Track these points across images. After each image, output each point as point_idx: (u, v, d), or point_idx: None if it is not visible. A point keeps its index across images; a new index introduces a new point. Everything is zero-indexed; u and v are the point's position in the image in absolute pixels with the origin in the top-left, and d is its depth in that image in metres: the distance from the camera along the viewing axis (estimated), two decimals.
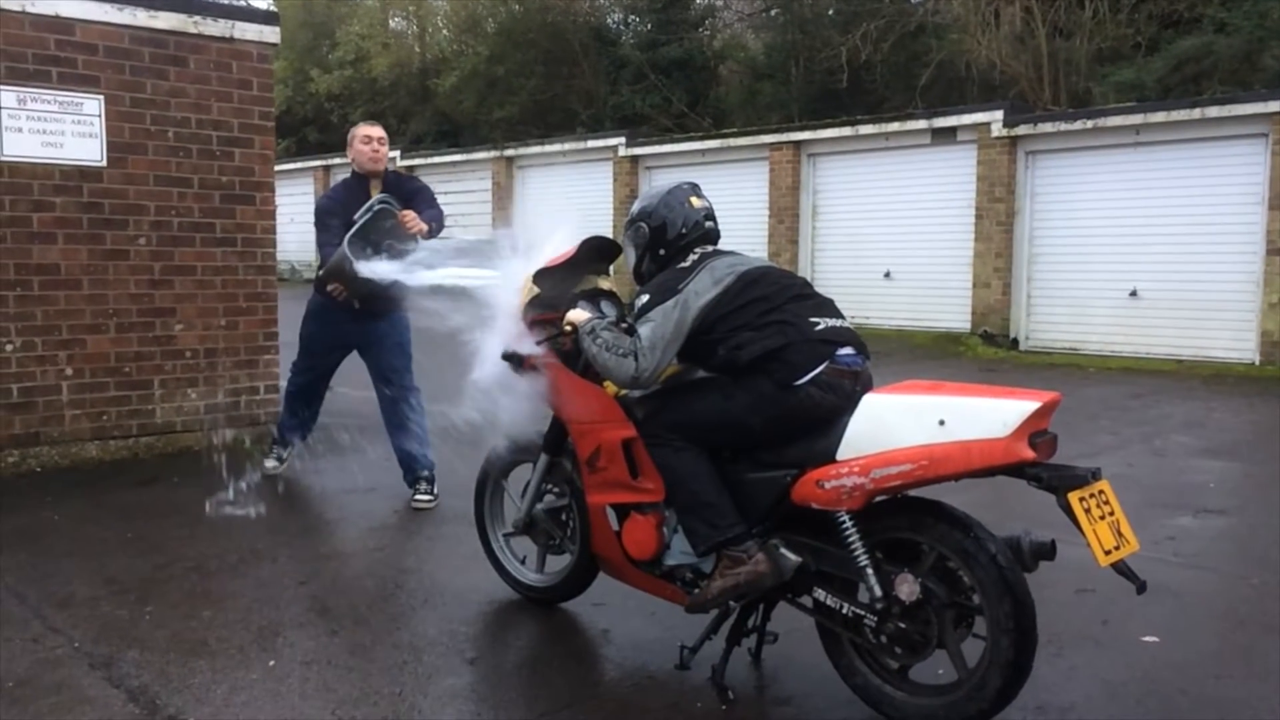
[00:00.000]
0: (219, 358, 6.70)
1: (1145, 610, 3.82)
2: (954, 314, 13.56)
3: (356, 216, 5.26)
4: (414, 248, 5.18)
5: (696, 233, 3.38)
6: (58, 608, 3.93)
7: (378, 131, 5.51)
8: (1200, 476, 6.29)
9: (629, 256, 3.52)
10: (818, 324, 3.11)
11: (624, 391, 3.39)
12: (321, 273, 5.42)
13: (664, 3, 22.10)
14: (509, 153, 19.04)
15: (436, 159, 20.50)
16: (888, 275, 14.25)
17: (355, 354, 5.63)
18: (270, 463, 5.94)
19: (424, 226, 5.25)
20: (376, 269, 4.96)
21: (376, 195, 5.34)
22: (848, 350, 3.09)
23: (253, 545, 4.73)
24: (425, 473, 5.42)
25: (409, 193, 5.49)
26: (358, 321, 5.39)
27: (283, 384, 6.24)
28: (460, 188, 19.11)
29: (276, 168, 7.17)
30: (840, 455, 2.93)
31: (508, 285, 3.67)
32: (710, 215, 3.44)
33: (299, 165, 22.77)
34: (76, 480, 5.86)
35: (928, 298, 13.85)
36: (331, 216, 5.36)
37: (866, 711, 3.06)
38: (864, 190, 14.57)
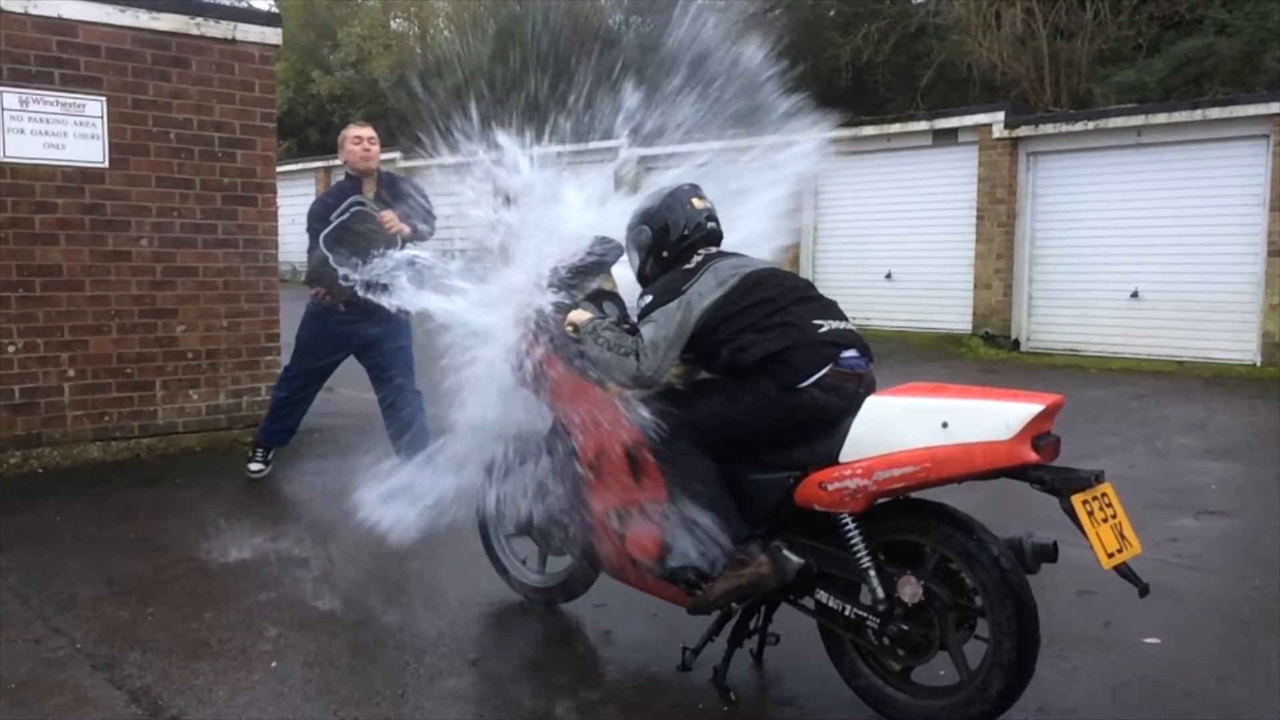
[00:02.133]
0: (220, 359, 6.71)
1: (1147, 612, 3.81)
2: (955, 315, 13.56)
3: (333, 217, 5.26)
4: (396, 248, 5.15)
5: (699, 234, 3.38)
6: (60, 609, 3.93)
7: (367, 131, 5.51)
8: (1202, 478, 6.29)
9: (631, 259, 3.52)
10: (821, 326, 3.11)
11: (627, 394, 3.39)
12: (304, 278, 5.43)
13: (665, 4, 22.10)
14: None
15: (439, 160, 20.49)
16: (889, 276, 14.25)
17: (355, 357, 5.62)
18: (255, 465, 5.84)
19: (404, 228, 5.23)
20: (357, 276, 4.96)
21: (352, 197, 5.33)
22: (851, 353, 3.09)
23: (254, 546, 4.73)
24: None
25: (402, 194, 5.47)
26: (355, 324, 5.37)
27: None
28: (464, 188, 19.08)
29: (278, 169, 7.17)
30: (843, 457, 2.93)
31: (490, 310, 3.66)
32: (712, 216, 3.44)
33: (300, 166, 22.76)
34: (78, 481, 5.87)
35: (929, 299, 13.85)
36: (320, 221, 5.34)
37: (868, 713, 3.06)
38: (866, 191, 14.56)
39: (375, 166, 5.51)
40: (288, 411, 5.80)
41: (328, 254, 5.19)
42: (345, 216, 5.26)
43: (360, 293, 4.84)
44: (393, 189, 5.51)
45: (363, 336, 5.42)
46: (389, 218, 5.23)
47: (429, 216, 5.46)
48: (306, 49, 27.49)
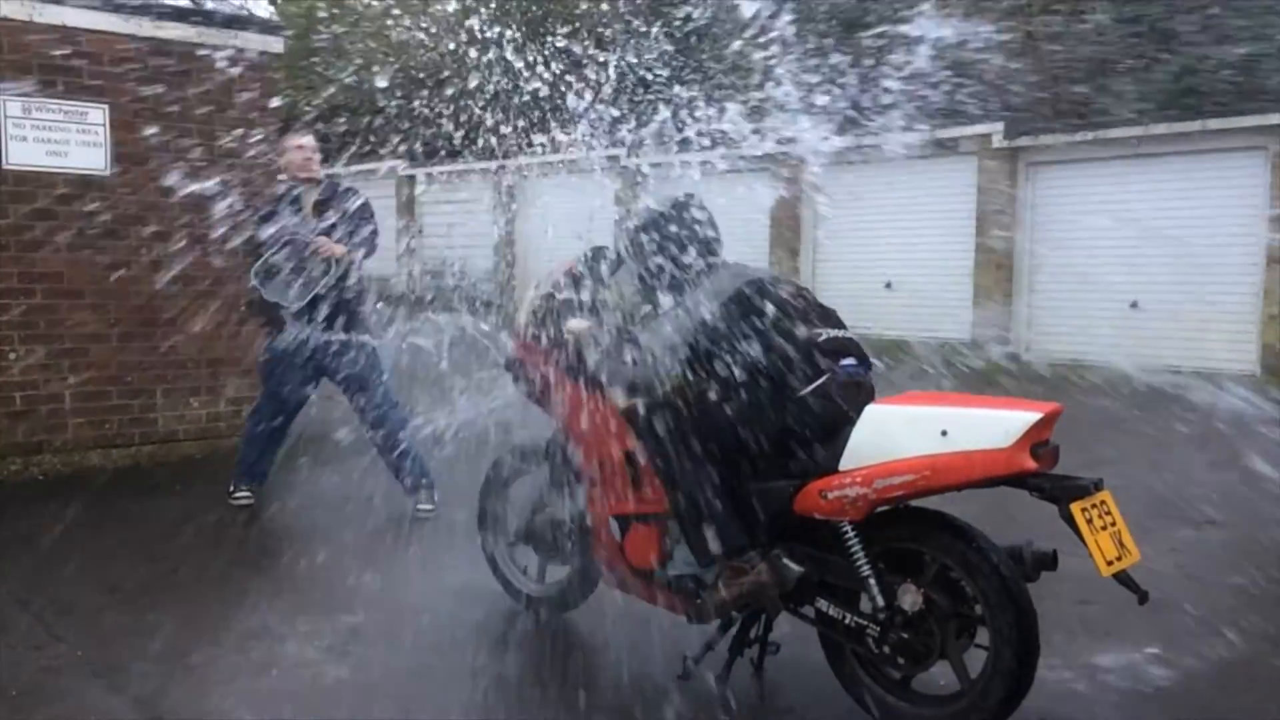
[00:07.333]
0: (221, 367, 6.71)
1: (1147, 621, 3.81)
2: (955, 324, 13.57)
3: (265, 252, 5.18)
4: (330, 272, 5.11)
5: (698, 242, 3.39)
6: (61, 615, 3.93)
7: (310, 140, 5.44)
8: (1202, 488, 6.28)
9: (631, 268, 3.53)
10: (821, 334, 3.12)
11: (627, 402, 3.39)
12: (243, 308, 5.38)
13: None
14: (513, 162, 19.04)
15: (441, 169, 20.50)
16: (889, 286, 14.25)
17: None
18: (241, 493, 5.53)
19: (336, 250, 5.16)
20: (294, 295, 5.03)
21: (284, 223, 5.23)
22: (850, 361, 3.10)
23: (254, 554, 4.73)
24: (424, 481, 5.38)
25: (343, 207, 5.33)
26: (317, 346, 5.25)
27: None
28: (465, 196, 19.10)
29: (278, 177, 7.19)
30: (843, 466, 2.94)
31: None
32: (711, 224, 3.46)
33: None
34: (79, 488, 5.86)
35: (928, 308, 13.85)
36: (253, 248, 5.28)
37: None
38: (866, 200, 14.55)
39: (317, 175, 5.43)
40: (260, 448, 5.52)
41: (260, 288, 5.13)
42: (275, 251, 5.16)
43: (296, 315, 4.84)
44: (335, 201, 5.37)
45: (328, 358, 5.30)
46: (322, 244, 5.14)
47: (371, 233, 5.32)
48: (308, 54, 27.54)
